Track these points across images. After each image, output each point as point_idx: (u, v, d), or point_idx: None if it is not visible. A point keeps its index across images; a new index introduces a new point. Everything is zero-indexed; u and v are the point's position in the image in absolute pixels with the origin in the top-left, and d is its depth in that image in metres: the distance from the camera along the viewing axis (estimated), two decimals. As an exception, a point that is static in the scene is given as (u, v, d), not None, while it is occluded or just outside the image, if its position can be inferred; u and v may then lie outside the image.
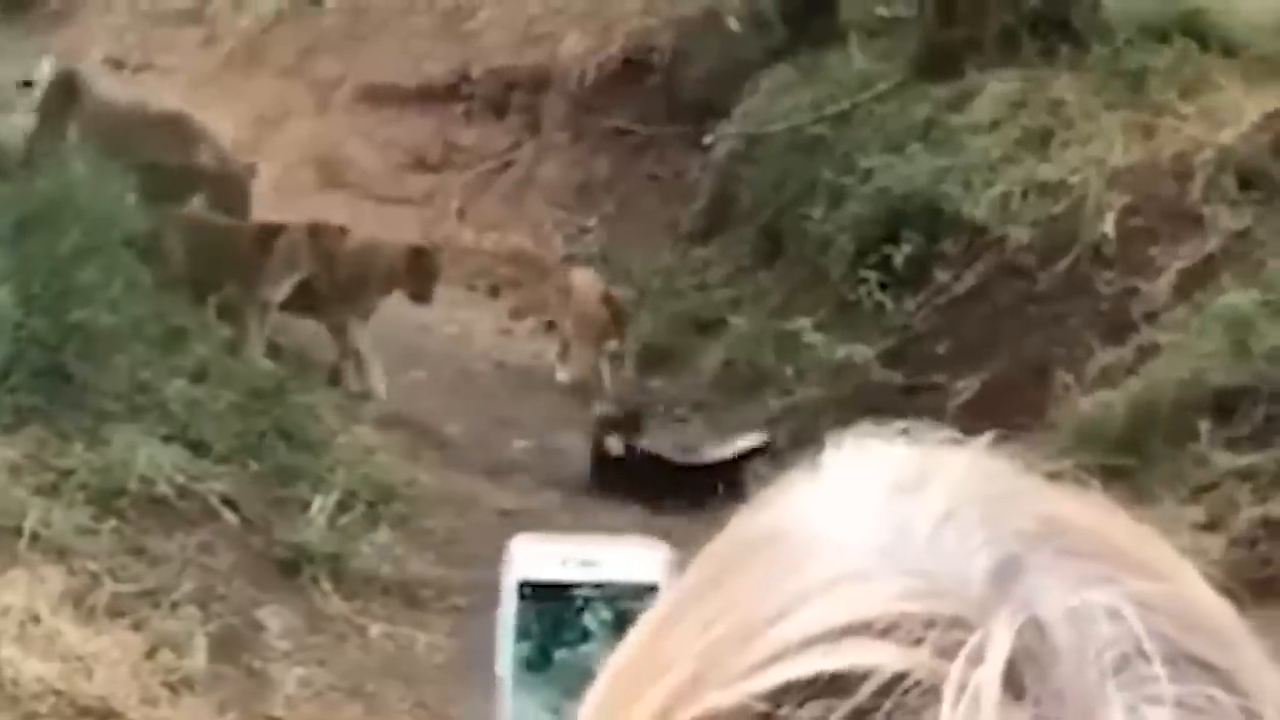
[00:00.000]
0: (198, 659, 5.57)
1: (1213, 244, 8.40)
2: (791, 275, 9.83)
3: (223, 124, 10.81)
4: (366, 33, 12.55)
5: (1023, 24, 10.08)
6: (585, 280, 9.63)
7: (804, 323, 8.94)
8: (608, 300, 9.36)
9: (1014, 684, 0.55)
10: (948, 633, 0.55)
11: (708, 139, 8.95)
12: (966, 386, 8.44)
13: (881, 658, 0.55)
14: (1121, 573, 0.59)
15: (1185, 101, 9.40)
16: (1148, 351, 7.74)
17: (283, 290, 8.74)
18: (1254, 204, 8.59)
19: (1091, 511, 0.62)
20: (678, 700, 0.57)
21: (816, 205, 9.80)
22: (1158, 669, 0.56)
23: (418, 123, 11.98)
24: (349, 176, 11.73)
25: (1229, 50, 9.73)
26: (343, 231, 9.13)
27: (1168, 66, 9.60)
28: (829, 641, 0.56)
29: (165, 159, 9.23)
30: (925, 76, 10.14)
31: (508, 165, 11.75)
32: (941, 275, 9.09)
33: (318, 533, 6.47)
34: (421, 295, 9.03)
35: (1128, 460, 6.93)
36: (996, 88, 9.78)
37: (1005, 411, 8.10)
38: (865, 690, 0.55)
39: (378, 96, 12.17)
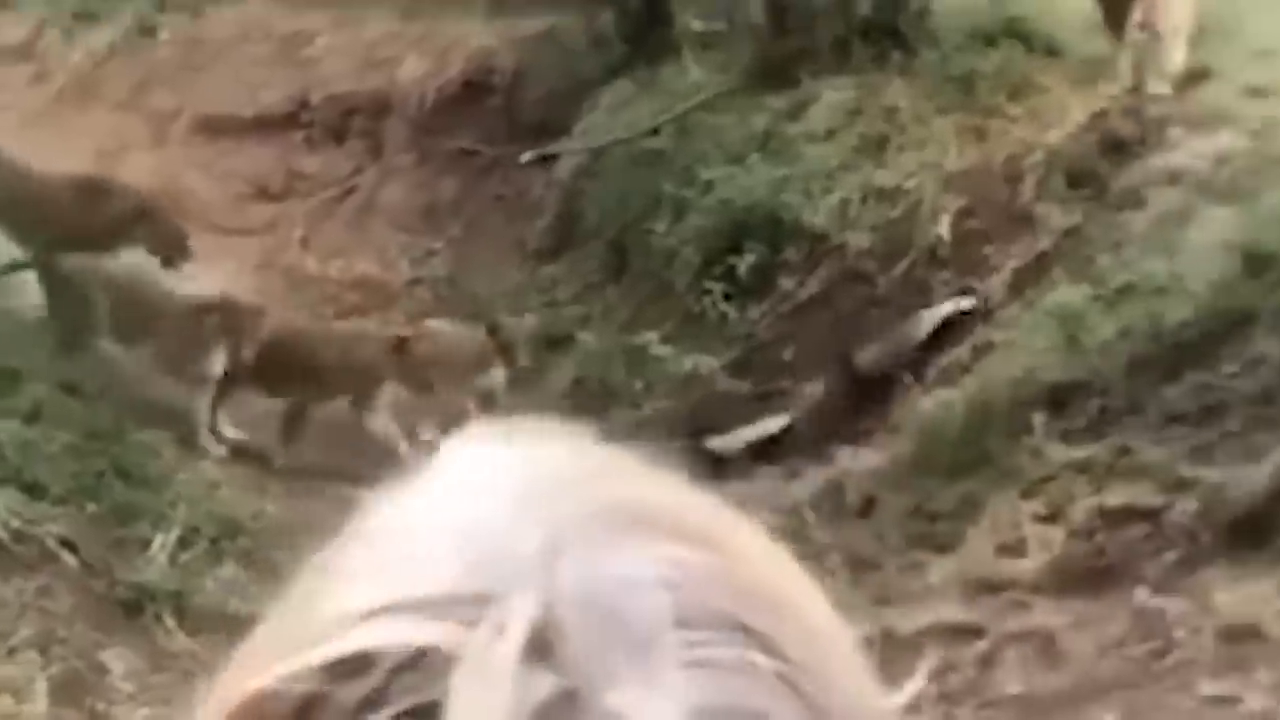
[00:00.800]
0: (38, 704, 5.47)
1: (1044, 242, 8.56)
2: (638, 289, 9.87)
3: (60, 161, 10.63)
4: (202, 63, 12.43)
5: (854, 32, 10.21)
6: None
7: (651, 336, 8.99)
8: (492, 331, 9.24)
9: (539, 653, 0.58)
10: (481, 608, 0.59)
11: (525, 157, 8.93)
12: (813, 392, 8.53)
13: (417, 633, 0.59)
14: (673, 545, 0.62)
15: (1014, 104, 9.56)
16: (984, 350, 7.87)
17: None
18: (1083, 201, 8.76)
19: (658, 490, 0.65)
20: (251, 673, 0.61)
21: (660, 219, 9.85)
22: (695, 635, 0.59)
23: (257, 152, 11.89)
24: (190, 208, 11.57)
25: (1053, 52, 9.92)
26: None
27: (995, 70, 9.77)
28: (371, 620, 0.60)
29: (85, 218, 9.04)
30: (761, 87, 10.23)
31: (351, 191, 11.68)
32: (785, 283, 9.18)
33: (159, 571, 6.38)
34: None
35: (968, 457, 7.05)
36: (831, 96, 9.90)
37: (851, 414, 8.23)
38: (393, 662, 0.58)
39: (216, 127, 12.06)
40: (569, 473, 0.65)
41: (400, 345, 8.83)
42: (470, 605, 0.59)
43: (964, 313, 8.20)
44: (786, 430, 8.31)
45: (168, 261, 9.08)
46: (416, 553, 0.62)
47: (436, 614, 0.59)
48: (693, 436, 8.27)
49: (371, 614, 0.60)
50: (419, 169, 11.55)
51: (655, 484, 0.65)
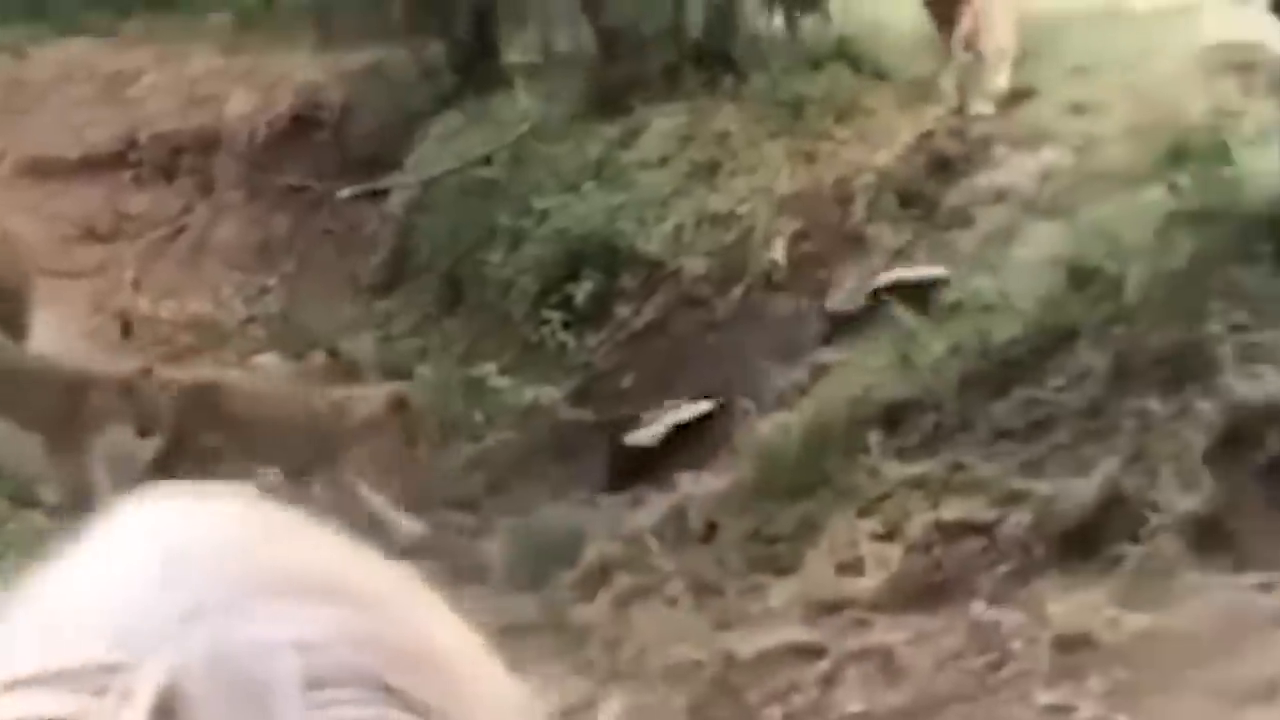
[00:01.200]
0: None
1: (876, 263, 8.65)
2: (475, 321, 9.83)
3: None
4: (25, 105, 12.19)
5: (685, 58, 10.27)
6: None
7: (489, 368, 8.95)
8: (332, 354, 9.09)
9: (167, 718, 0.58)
10: (114, 677, 0.59)
11: (343, 193, 8.86)
12: (653, 418, 8.53)
13: (51, 706, 0.58)
14: (316, 607, 0.62)
15: (843, 126, 9.67)
16: (819, 372, 7.92)
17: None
18: (913, 221, 8.87)
19: (311, 552, 0.65)
20: None
21: (495, 249, 9.82)
22: (328, 694, 0.59)
23: (85, 193, 11.67)
24: (18, 252, 11.34)
25: (880, 74, 10.04)
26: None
27: (824, 93, 9.87)
28: (7, 693, 0.59)
29: None
30: (594, 115, 10.25)
31: (181, 230, 11.51)
32: (622, 310, 9.19)
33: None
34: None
35: (807, 478, 7.08)
36: (663, 123, 9.94)
37: (692, 439, 8.25)
38: None
39: (41, 169, 11.83)
40: (221, 537, 0.64)
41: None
42: (105, 675, 0.59)
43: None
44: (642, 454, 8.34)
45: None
46: (63, 622, 0.62)
47: (73, 685, 0.59)
48: (536, 468, 8.28)
49: (9, 686, 0.60)
50: (249, 206, 11.41)
51: (310, 546, 0.65)
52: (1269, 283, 6.44)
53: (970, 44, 9.41)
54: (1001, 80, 9.42)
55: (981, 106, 9.28)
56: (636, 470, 8.23)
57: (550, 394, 8.78)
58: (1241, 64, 8.50)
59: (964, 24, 9.27)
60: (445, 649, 0.63)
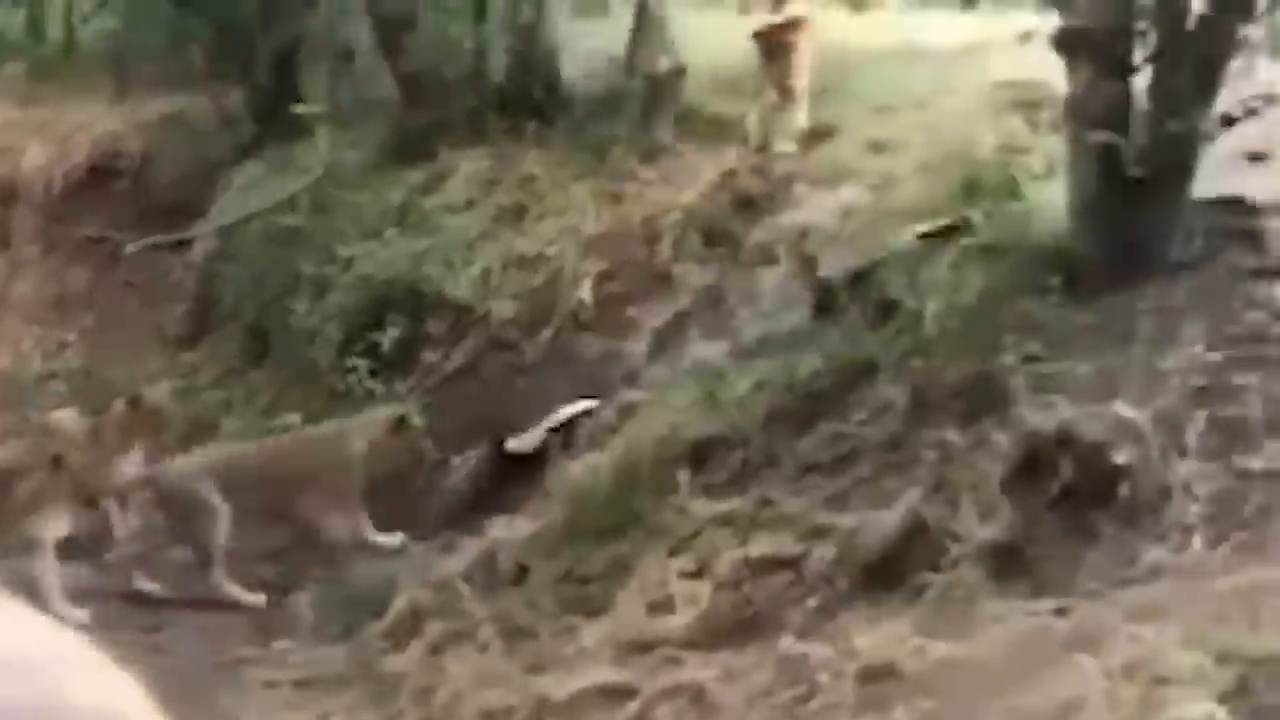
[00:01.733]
0: None
1: (683, 302, 8.72)
2: (280, 371, 9.73)
3: None
4: None
5: (488, 103, 10.29)
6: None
7: (295, 418, 8.84)
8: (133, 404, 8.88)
9: None
10: None
11: (130, 247, 8.73)
12: (464, 462, 8.50)
13: None
14: None
15: (647, 167, 9.75)
16: (628, 411, 7.96)
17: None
18: (719, 259, 8.96)
19: None
20: None
21: (300, 298, 9.74)
22: None
23: (-116, 250, 11.37)
24: None
25: (684, 115, 10.15)
26: None
27: (628, 135, 9.95)
28: None
29: None
30: (397, 161, 10.22)
31: (-23, 285, 11.26)
32: (429, 356, 9.16)
33: None
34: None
35: (617, 519, 7.10)
36: (468, 167, 9.96)
37: (506, 482, 8.23)
38: None
39: None
40: None
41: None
42: None
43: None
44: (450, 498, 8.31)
45: None
46: None
47: None
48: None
49: None
50: (48, 259, 11.19)
51: None
52: (1059, 314, 6.60)
53: (783, 86, 9.55)
54: (801, 118, 9.58)
55: (784, 145, 9.42)
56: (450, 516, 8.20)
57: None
58: (1028, 101, 8.74)
59: (791, 63, 9.42)
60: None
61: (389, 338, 9.11)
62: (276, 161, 10.49)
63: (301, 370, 9.57)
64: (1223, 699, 4.23)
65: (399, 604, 7.08)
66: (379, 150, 10.36)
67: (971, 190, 7.26)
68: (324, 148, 10.15)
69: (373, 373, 9.05)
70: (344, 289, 9.49)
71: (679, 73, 10.05)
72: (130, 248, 8.52)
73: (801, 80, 9.53)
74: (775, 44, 9.55)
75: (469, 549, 7.57)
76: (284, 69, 11.27)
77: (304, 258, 9.86)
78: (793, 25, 9.56)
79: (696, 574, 6.51)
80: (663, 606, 6.37)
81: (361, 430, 8.25)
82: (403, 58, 10.36)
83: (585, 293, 9.03)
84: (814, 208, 9.15)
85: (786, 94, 9.56)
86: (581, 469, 7.61)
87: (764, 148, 9.56)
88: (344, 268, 9.56)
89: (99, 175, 11.34)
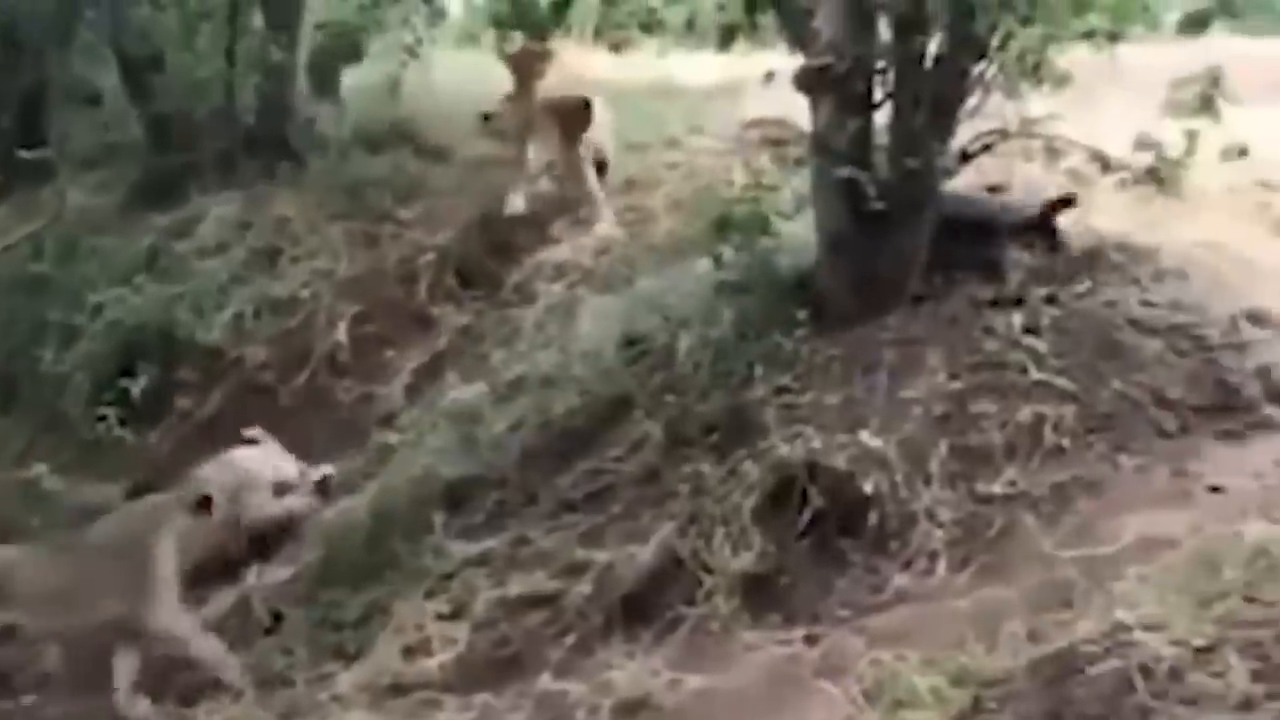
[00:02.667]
0: None
1: (441, 343, 8.69)
2: (28, 421, 9.48)
3: None
4: None
5: (240, 145, 10.17)
6: None
7: (43, 469, 8.60)
8: None
9: None
10: None
11: None
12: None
13: None
14: None
15: (404, 208, 9.71)
16: (385, 453, 7.90)
17: None
18: (475, 300, 8.95)
19: None
20: None
21: (47, 346, 9.51)
22: None
23: None
24: None
25: (440, 155, 10.14)
26: None
27: (384, 175, 9.90)
28: None
29: None
30: (147, 205, 10.04)
31: None
32: (182, 403, 9.00)
33: None
34: None
35: (374, 562, 7.04)
36: (219, 210, 9.83)
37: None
38: None
39: None
40: None
41: None
42: None
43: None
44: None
45: None
46: None
47: None
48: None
49: None
50: None
51: None
52: (807, 347, 6.71)
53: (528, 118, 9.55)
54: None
55: (514, 206, 9.39)
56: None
57: (109, 492, 8.49)
58: (776, 139, 8.91)
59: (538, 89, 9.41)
60: None
61: (140, 385, 8.92)
62: (22, 207, 10.23)
63: (51, 419, 9.33)
64: (958, 719, 4.34)
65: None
66: (128, 194, 10.18)
67: (722, 227, 7.35)
68: (72, 193, 9.91)
69: (123, 421, 8.85)
70: (93, 336, 9.29)
71: None
72: None
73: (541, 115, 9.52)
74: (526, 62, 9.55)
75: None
76: (29, 112, 11.01)
77: (51, 305, 9.63)
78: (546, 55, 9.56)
79: (454, 615, 6.49)
80: (420, 649, 6.32)
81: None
82: (150, 100, 10.18)
83: (341, 335, 8.95)
84: (571, 246, 9.20)
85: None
86: (336, 513, 7.52)
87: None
88: (93, 315, 9.36)
89: None
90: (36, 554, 6.91)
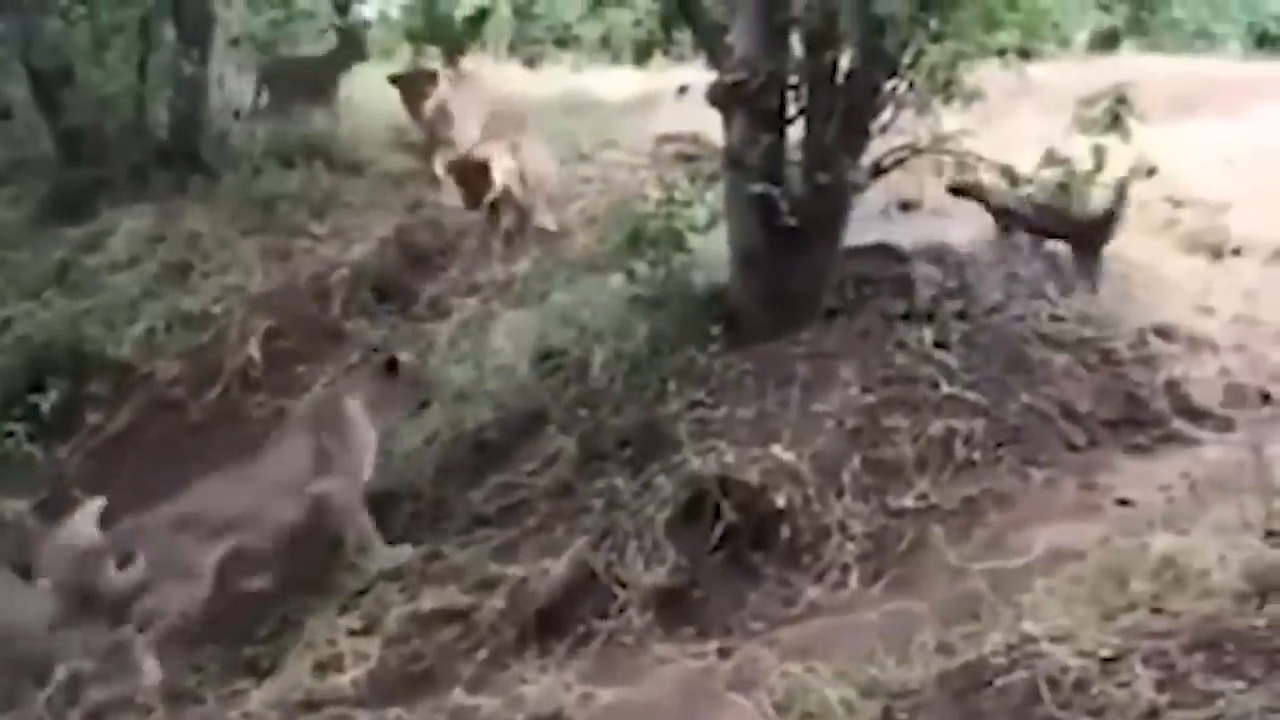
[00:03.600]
0: None
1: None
2: (-65, 437, 9.33)
3: None
4: None
5: (151, 159, 10.09)
6: None
7: (-51, 485, 8.47)
8: None
9: None
10: None
11: None
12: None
13: None
14: None
15: (317, 222, 9.67)
16: (297, 468, 7.83)
17: None
18: (389, 314, 8.92)
19: None
20: None
21: (-44, 362, 9.36)
22: None
23: None
24: None
25: (354, 169, 10.10)
26: None
27: (297, 190, 9.85)
28: None
29: None
30: (57, 219, 9.94)
31: None
32: (92, 418, 8.90)
33: None
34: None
35: (286, 575, 6.99)
36: (131, 224, 9.74)
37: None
38: None
39: None
40: None
41: None
42: None
43: None
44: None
45: None
46: None
47: None
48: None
49: None
50: None
51: None
52: (720, 361, 6.74)
53: (434, 135, 9.55)
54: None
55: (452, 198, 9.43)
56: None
57: (15, 507, 8.37)
58: (689, 154, 8.94)
59: (427, 110, 9.42)
60: None
61: (49, 400, 8.81)
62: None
63: (-43, 435, 9.21)
64: (868, 731, 4.36)
65: (60, 672, 6.84)
66: (38, 208, 10.07)
67: (636, 242, 7.37)
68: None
69: (31, 437, 8.74)
70: (1, 351, 9.16)
71: None
72: None
73: (459, 134, 9.53)
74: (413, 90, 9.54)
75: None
76: (-62, 125, 10.88)
77: (-40, 319, 9.51)
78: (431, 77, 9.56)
79: (366, 630, 6.45)
80: (332, 665, 6.28)
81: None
82: (61, 114, 10.08)
83: (254, 350, 8.88)
84: (486, 262, 9.18)
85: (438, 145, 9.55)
86: (249, 529, 7.46)
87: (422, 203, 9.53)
88: (1, 329, 9.24)
89: None
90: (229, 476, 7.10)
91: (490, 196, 9.27)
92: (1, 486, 8.67)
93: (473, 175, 9.36)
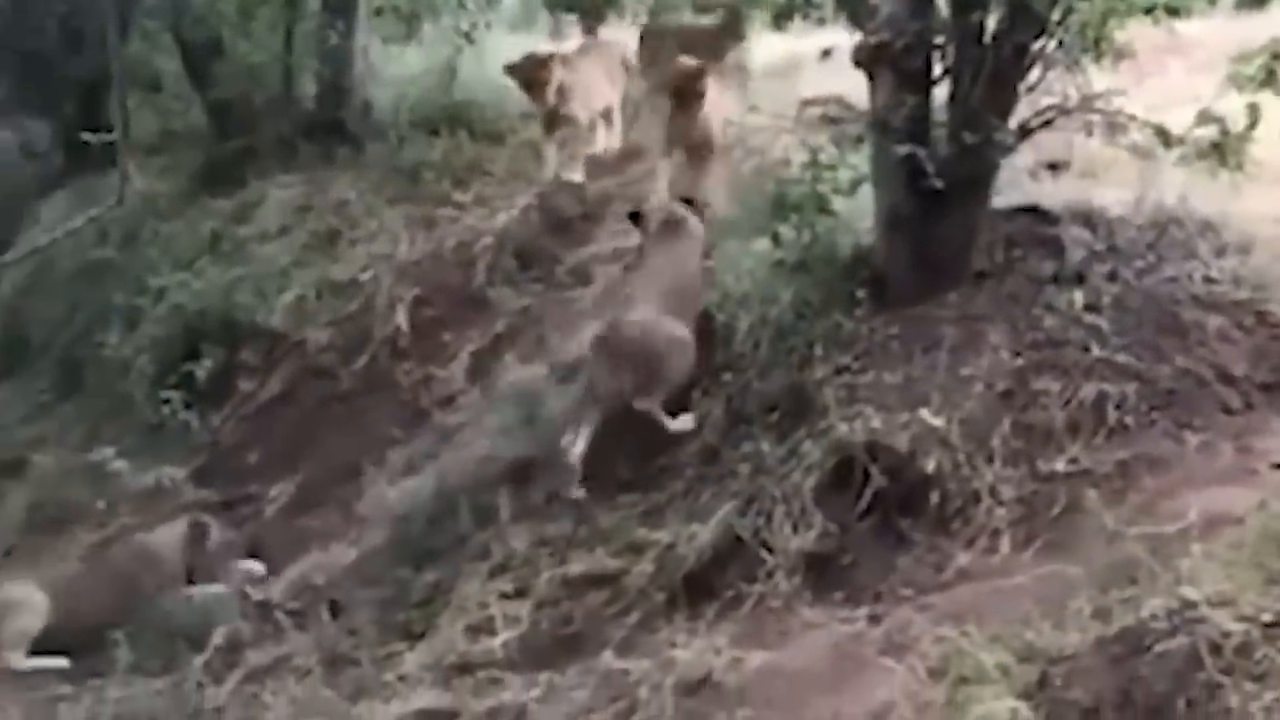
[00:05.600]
0: None
1: (499, 325, 8.72)
2: (93, 405, 9.57)
3: None
4: None
5: (299, 130, 10.22)
6: None
7: (108, 452, 8.68)
8: None
9: None
10: None
11: (-78, 277, 8.54)
12: (281, 492, 8.41)
13: None
14: None
15: (461, 191, 9.74)
16: (446, 435, 7.94)
17: None
18: (532, 281, 8.97)
19: None
20: None
21: (111, 331, 9.59)
22: None
23: None
24: None
25: (496, 139, 10.16)
26: None
27: (441, 159, 9.93)
28: None
29: None
30: (209, 190, 10.11)
31: None
32: (245, 385, 9.06)
33: None
34: None
35: (437, 543, 7.08)
36: (279, 195, 9.88)
37: (320, 511, 8.15)
38: None
39: None
40: None
41: None
42: None
43: None
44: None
45: None
46: None
47: None
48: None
49: None
50: None
51: None
52: (867, 326, 6.70)
53: (563, 113, 9.53)
54: (602, 142, 9.61)
55: (572, 174, 9.42)
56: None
57: (173, 474, 8.57)
58: (833, 117, 8.86)
59: (548, 94, 9.39)
60: None
61: (203, 369, 8.99)
62: (85, 193, 10.31)
63: (115, 403, 9.41)
64: (1025, 695, 4.33)
65: (217, 636, 7.00)
66: (189, 179, 10.25)
67: (781, 206, 7.35)
68: (135, 179, 9.97)
69: (187, 404, 8.93)
70: (156, 320, 9.37)
71: None
72: (-78, 278, 8.31)
73: (589, 106, 9.53)
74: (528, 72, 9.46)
75: (287, 578, 7.50)
76: (92, 99, 11.07)
77: (115, 289, 9.72)
78: (544, 63, 9.47)
79: (517, 595, 6.52)
80: (484, 628, 6.36)
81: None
82: (211, 86, 10.24)
83: (401, 318, 8.98)
84: (629, 228, 9.19)
85: (560, 124, 9.53)
86: (399, 495, 7.57)
87: (557, 175, 9.52)
88: (156, 299, 9.43)
89: (-100, 210, 11.08)
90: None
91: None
92: (159, 453, 8.88)
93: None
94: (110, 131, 10.60)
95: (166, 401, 8.95)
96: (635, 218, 7.59)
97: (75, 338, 9.91)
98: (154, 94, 11.13)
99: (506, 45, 10.87)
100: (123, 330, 9.52)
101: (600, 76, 9.62)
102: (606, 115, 9.69)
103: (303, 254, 9.48)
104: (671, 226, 7.40)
